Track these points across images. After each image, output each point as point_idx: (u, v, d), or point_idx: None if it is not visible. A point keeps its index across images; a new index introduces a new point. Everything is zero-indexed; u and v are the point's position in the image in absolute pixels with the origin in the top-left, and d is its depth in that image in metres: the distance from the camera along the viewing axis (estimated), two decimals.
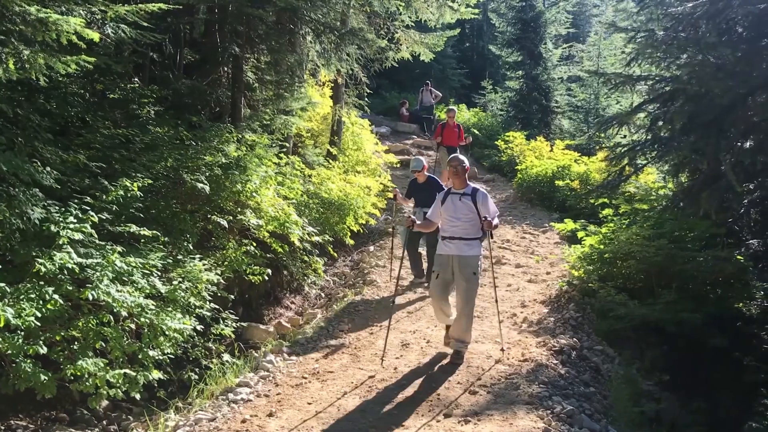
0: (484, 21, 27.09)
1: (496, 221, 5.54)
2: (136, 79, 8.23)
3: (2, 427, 4.34)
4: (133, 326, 4.93)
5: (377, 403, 4.80)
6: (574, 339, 6.45)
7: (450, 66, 26.97)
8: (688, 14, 7.45)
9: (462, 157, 5.69)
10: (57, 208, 4.77)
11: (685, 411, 6.19)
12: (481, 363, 5.65)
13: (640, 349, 6.95)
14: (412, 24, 13.24)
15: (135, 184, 5.51)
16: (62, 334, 4.35)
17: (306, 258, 8.23)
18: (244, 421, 4.46)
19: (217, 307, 5.87)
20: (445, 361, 5.61)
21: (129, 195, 5.45)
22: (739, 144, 7.19)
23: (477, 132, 19.00)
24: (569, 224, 9.03)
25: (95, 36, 4.59)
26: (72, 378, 4.23)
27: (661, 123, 7.93)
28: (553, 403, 4.88)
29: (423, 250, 8.21)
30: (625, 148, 8.27)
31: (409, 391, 5.02)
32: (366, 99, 13.32)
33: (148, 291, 4.92)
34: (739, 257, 7.31)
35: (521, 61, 20.82)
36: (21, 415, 4.56)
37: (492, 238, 5.66)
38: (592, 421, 4.73)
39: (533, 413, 4.67)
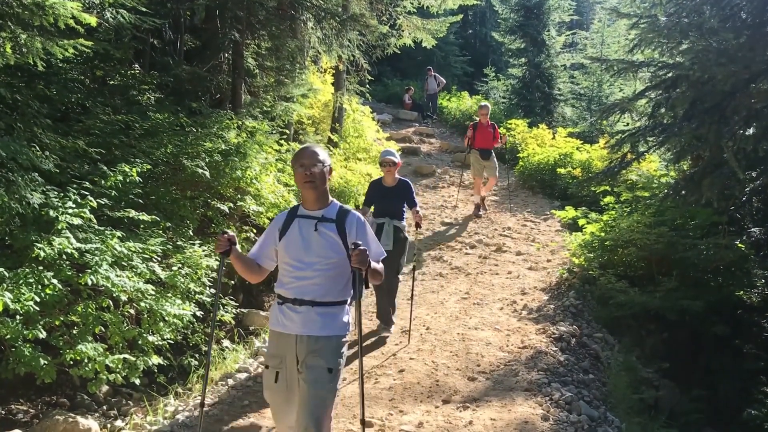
0: (487, 7, 26.90)
1: (379, 265, 3.07)
2: (136, 65, 8.19)
3: (2, 412, 4.36)
4: (132, 311, 4.94)
5: (376, 388, 4.82)
6: (574, 326, 6.46)
7: (452, 53, 26.87)
8: None
9: (319, 149, 3.11)
10: (56, 193, 4.76)
11: (685, 398, 6.22)
12: (480, 350, 5.66)
13: (639, 336, 6.97)
14: (415, 10, 13.16)
15: (134, 170, 5.49)
16: (61, 319, 4.35)
17: None
18: (243, 406, 4.48)
19: None
20: None
21: (128, 180, 5.42)
22: (741, 131, 7.14)
23: None
24: (570, 212, 9.03)
25: (92, 20, 4.57)
26: (71, 363, 4.24)
27: (663, 109, 7.89)
28: (552, 389, 4.89)
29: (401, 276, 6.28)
30: (626, 134, 8.23)
31: (409, 377, 5.03)
32: (367, 86, 13.24)
33: (147, 276, 4.91)
34: (740, 245, 7.30)
35: (524, 48, 20.66)
36: (21, 399, 4.58)
37: (367, 287, 3.06)
38: (590, 408, 4.75)
39: (532, 400, 4.69)
